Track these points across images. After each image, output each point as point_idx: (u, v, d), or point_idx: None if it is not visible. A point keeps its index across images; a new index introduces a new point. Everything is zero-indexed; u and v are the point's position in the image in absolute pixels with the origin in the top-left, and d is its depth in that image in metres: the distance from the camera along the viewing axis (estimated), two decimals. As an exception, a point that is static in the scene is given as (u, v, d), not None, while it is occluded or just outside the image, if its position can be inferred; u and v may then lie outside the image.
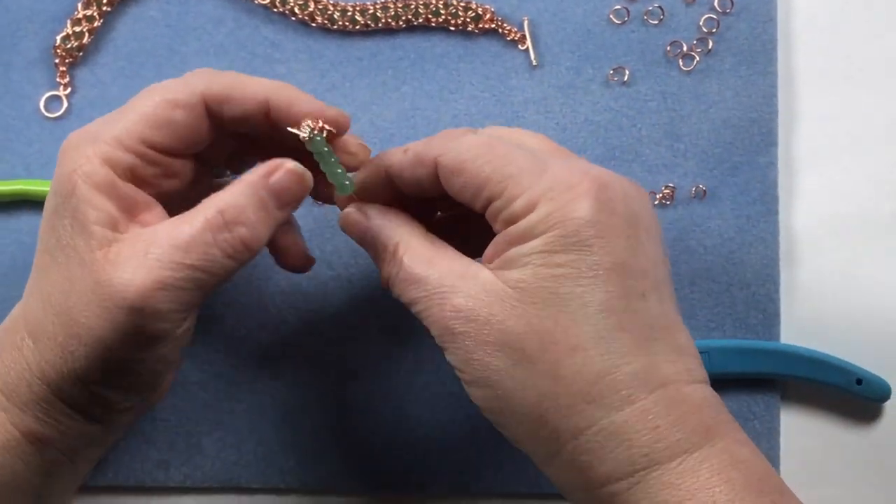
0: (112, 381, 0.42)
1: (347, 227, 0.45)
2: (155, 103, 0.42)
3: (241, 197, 0.41)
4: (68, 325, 0.40)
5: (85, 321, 0.40)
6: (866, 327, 0.55)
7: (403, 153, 0.43)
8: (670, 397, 0.38)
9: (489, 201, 0.40)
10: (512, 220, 0.40)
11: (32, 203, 0.54)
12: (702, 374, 0.41)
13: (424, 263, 0.41)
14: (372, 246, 0.44)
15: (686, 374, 0.40)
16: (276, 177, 0.42)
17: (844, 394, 0.54)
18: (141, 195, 0.42)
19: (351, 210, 0.45)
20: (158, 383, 0.44)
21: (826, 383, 0.54)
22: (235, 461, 0.54)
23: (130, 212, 0.42)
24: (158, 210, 0.43)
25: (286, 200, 0.43)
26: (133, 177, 0.42)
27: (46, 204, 0.43)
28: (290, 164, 0.43)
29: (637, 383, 0.38)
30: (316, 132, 0.43)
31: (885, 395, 0.54)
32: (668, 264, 0.42)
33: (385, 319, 0.54)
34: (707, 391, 0.40)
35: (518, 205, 0.40)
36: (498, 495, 0.54)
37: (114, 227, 0.41)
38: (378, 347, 0.54)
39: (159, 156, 0.43)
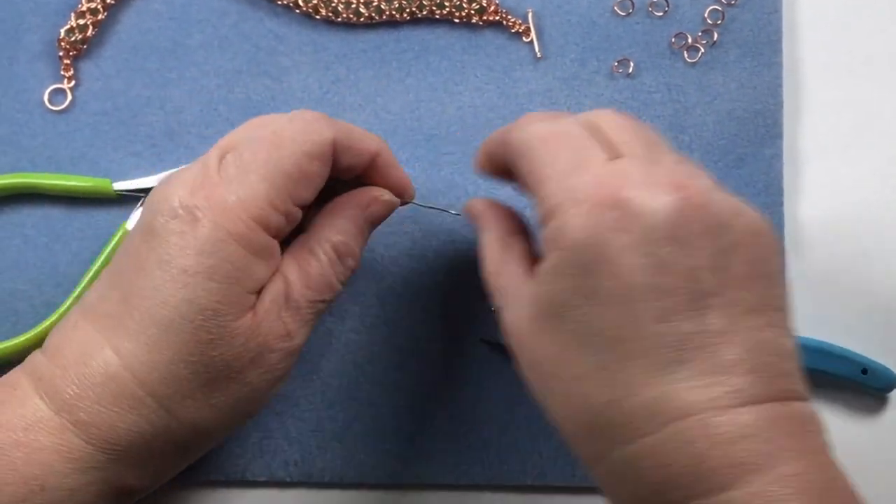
0: (234, 418, 0.44)
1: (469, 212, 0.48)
2: (296, 158, 0.42)
3: (347, 231, 0.45)
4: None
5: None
6: (872, 318, 0.55)
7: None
8: (688, 431, 0.35)
9: (532, 196, 0.40)
10: (542, 225, 0.39)
11: (36, 196, 0.54)
12: (759, 390, 0.35)
13: (494, 274, 0.43)
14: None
15: (726, 397, 0.35)
16: (374, 209, 0.46)
17: (850, 384, 0.54)
18: (278, 249, 0.44)
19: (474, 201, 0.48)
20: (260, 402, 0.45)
21: (831, 373, 0.54)
22: (240, 454, 0.53)
23: (273, 269, 0.43)
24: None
25: (377, 223, 0.47)
26: (277, 236, 0.43)
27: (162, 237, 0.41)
28: (385, 196, 0.47)
29: (645, 416, 0.35)
30: None
31: (890, 384, 0.54)
32: (755, 254, 0.37)
33: (391, 312, 0.54)
34: (759, 413, 0.35)
35: (542, 210, 0.39)
36: (503, 488, 0.54)
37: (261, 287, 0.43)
38: (383, 339, 0.54)
39: (298, 211, 0.43)
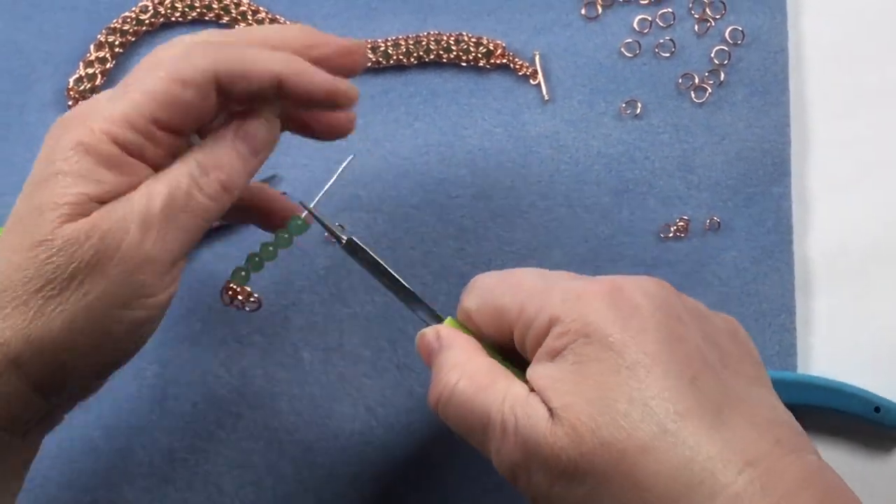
0: (83, 338, 0.39)
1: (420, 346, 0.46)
2: (164, 82, 0.40)
3: (216, 147, 0.42)
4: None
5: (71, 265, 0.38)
6: (883, 355, 0.55)
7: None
8: (764, 474, 0.35)
9: (511, 329, 0.41)
10: (538, 342, 0.40)
11: (48, 246, 0.55)
12: (798, 442, 0.38)
13: (478, 390, 0.41)
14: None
15: (777, 446, 0.36)
16: (246, 126, 0.42)
17: (862, 422, 0.54)
18: (145, 170, 0.41)
19: (427, 329, 0.45)
20: (128, 349, 0.42)
21: (843, 412, 0.54)
22: (255, 500, 0.54)
23: (133, 186, 0.41)
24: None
25: (257, 147, 0.43)
26: (139, 156, 0.41)
27: (27, 180, 0.41)
28: (259, 117, 0.43)
29: (721, 466, 0.35)
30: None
31: (903, 423, 0.54)
32: (738, 339, 0.41)
33: (402, 356, 0.54)
34: (808, 460, 0.37)
35: (538, 325, 0.40)
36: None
37: (103, 197, 0.40)
38: (395, 384, 0.54)
39: (165, 135, 0.41)
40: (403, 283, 0.45)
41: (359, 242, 0.45)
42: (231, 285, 0.46)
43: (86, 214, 0.39)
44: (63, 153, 0.39)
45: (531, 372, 0.40)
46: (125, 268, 0.39)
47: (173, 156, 0.42)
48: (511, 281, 0.42)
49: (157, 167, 0.41)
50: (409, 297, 0.45)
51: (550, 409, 0.38)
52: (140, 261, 0.39)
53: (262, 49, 0.42)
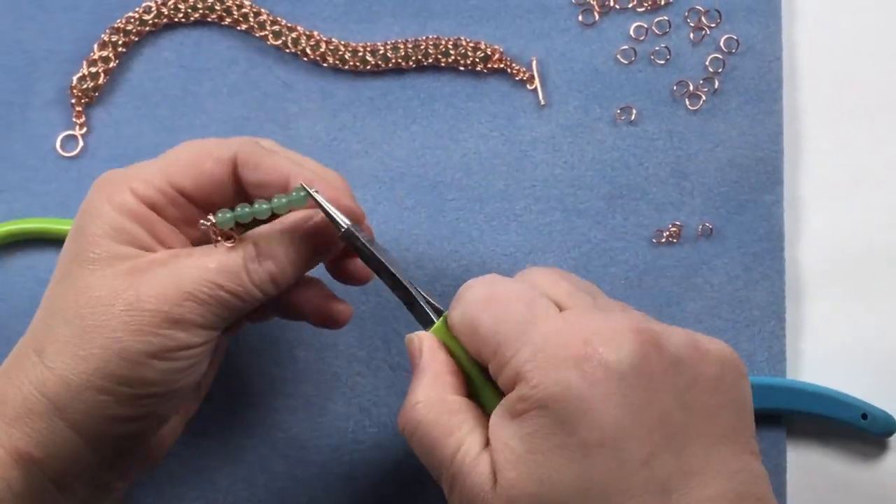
0: (121, 388, 0.41)
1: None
2: (190, 151, 0.44)
3: (275, 234, 0.44)
4: (83, 330, 0.41)
5: (104, 323, 0.41)
6: (871, 363, 0.56)
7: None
8: None
9: (487, 361, 0.40)
10: (506, 389, 0.39)
11: (49, 241, 0.55)
12: None
13: (446, 435, 0.41)
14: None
15: None
16: (312, 222, 0.44)
17: (850, 429, 0.54)
18: (169, 228, 0.44)
19: (420, 333, 0.44)
20: (165, 412, 0.44)
21: (831, 418, 0.54)
22: (248, 497, 0.54)
23: (160, 239, 0.44)
24: (186, 242, 0.45)
25: (316, 245, 0.44)
26: (160, 214, 0.44)
27: (69, 234, 0.44)
28: (316, 218, 0.44)
29: None
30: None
31: (890, 429, 0.54)
32: (722, 385, 0.39)
33: (396, 355, 0.55)
34: None
35: (507, 374, 0.39)
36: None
37: (142, 247, 0.43)
38: (388, 383, 0.55)
39: (184, 200, 0.44)
40: (400, 277, 0.44)
41: (357, 233, 0.44)
42: (211, 219, 0.43)
43: (113, 260, 0.42)
44: (91, 206, 0.43)
45: (492, 423, 0.39)
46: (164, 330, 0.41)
47: (187, 222, 0.45)
48: (495, 306, 0.40)
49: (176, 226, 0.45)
50: (404, 291, 0.44)
51: (496, 476, 0.38)
52: (174, 321, 0.41)
53: (287, 152, 0.46)
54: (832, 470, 0.55)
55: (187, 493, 0.54)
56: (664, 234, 0.56)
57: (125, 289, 0.41)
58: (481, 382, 0.42)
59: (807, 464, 0.55)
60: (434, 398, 0.41)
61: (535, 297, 0.40)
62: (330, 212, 0.43)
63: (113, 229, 0.43)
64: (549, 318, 0.39)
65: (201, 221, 0.43)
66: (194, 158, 0.44)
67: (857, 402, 0.54)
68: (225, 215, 0.42)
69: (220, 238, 0.43)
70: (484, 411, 0.41)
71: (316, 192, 0.43)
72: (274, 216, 0.43)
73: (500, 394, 0.40)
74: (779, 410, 0.54)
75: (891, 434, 0.54)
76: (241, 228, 0.44)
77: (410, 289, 0.44)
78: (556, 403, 0.37)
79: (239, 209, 0.43)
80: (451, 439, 0.40)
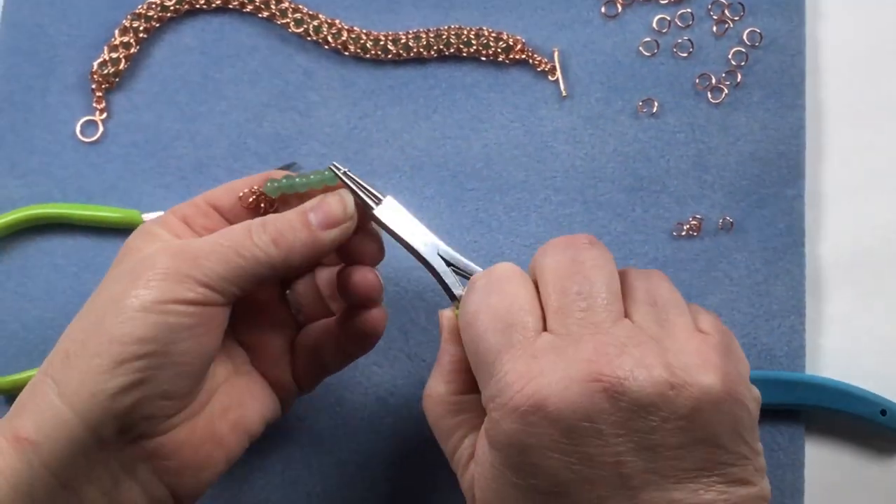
0: (112, 347, 0.40)
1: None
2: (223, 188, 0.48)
3: (287, 213, 0.44)
4: (101, 326, 0.41)
5: (122, 298, 0.41)
6: (891, 359, 0.56)
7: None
8: None
9: (473, 370, 0.42)
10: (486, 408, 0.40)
11: (67, 226, 0.55)
12: None
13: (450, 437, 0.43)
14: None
15: None
16: (322, 199, 0.45)
17: (868, 424, 0.54)
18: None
19: (446, 312, 0.45)
20: (162, 385, 0.41)
21: (850, 414, 0.54)
22: (263, 485, 0.54)
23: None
24: None
25: (327, 220, 0.44)
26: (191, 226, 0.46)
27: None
28: (334, 194, 0.45)
29: None
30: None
31: (909, 426, 0.54)
32: (663, 442, 0.37)
33: (414, 345, 0.55)
34: None
35: (484, 398, 0.40)
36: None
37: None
38: (405, 373, 0.55)
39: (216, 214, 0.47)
40: (426, 257, 0.45)
41: (382, 218, 0.45)
42: (258, 189, 0.46)
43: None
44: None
45: (480, 434, 0.41)
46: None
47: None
48: (481, 320, 0.40)
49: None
50: (430, 268, 0.45)
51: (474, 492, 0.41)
52: (166, 273, 0.41)
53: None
54: (850, 465, 0.55)
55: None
56: (684, 228, 0.56)
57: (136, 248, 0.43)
58: None
59: (825, 459, 0.55)
60: (440, 396, 0.43)
61: (517, 319, 0.40)
62: (359, 192, 0.44)
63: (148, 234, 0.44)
64: (514, 353, 0.39)
65: (244, 190, 0.45)
66: (225, 188, 0.46)
67: (877, 398, 0.54)
68: (273, 185, 0.45)
69: (263, 206, 0.46)
70: None
71: (346, 172, 0.44)
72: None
73: None
74: (797, 406, 0.54)
75: (909, 430, 0.54)
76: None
77: (436, 266, 0.45)
78: (506, 449, 0.38)
79: (284, 180, 0.45)
80: (450, 441, 0.43)
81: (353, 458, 0.54)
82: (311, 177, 0.45)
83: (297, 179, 0.45)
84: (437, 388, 0.43)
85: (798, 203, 0.56)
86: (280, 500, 0.54)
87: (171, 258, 0.41)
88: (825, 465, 0.55)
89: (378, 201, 0.45)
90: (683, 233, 0.56)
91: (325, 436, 0.54)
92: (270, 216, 0.44)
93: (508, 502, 0.39)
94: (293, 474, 0.54)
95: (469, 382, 0.43)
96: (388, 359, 0.55)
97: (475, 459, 0.40)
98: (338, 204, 0.44)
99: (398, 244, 0.45)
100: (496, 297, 0.41)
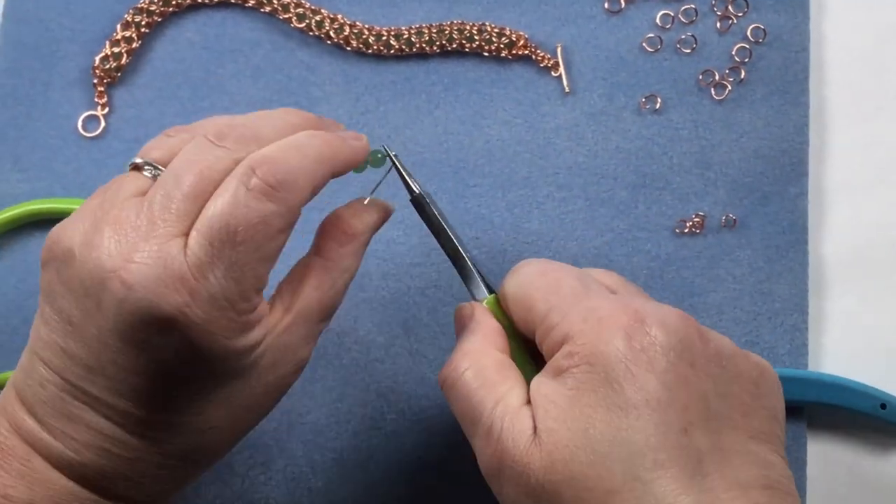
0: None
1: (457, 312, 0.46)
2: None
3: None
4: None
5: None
6: (892, 354, 0.56)
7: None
8: None
9: (535, 328, 0.41)
10: (551, 353, 0.40)
11: (69, 221, 0.55)
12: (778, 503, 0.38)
13: (487, 385, 0.41)
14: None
15: None
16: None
17: (869, 419, 0.54)
18: None
19: (465, 305, 0.45)
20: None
21: (851, 408, 0.54)
22: (264, 480, 0.54)
23: None
24: None
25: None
26: None
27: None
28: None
29: None
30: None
31: (909, 420, 0.54)
32: (759, 390, 0.40)
33: (415, 342, 0.55)
34: None
35: (555, 336, 0.40)
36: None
37: None
38: (407, 369, 0.55)
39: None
40: (459, 247, 0.46)
41: (427, 200, 0.46)
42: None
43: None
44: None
45: (534, 383, 0.40)
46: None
47: None
48: (550, 278, 0.42)
49: None
50: (461, 261, 0.45)
51: (535, 428, 0.38)
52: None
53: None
54: (851, 460, 0.55)
55: (204, 476, 0.54)
56: (687, 225, 0.55)
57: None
58: (523, 360, 0.43)
59: (825, 454, 0.55)
60: (483, 351, 0.42)
61: (588, 276, 0.42)
62: (404, 176, 0.46)
63: None
64: (600, 294, 0.41)
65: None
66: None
67: (876, 392, 0.54)
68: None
69: None
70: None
71: (395, 154, 0.47)
72: None
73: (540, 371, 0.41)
74: (799, 402, 0.54)
75: (910, 425, 0.54)
76: None
77: (468, 259, 0.45)
78: (602, 363, 0.38)
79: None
80: (493, 391, 0.40)
81: (353, 454, 0.54)
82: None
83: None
84: (478, 346, 0.42)
85: (801, 200, 0.56)
86: (281, 495, 0.54)
87: None
88: (825, 459, 0.55)
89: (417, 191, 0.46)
90: (686, 230, 0.55)
91: (327, 432, 0.54)
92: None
93: (587, 421, 0.37)
94: (294, 470, 0.54)
95: (506, 349, 0.43)
96: (390, 355, 0.55)
97: (533, 403, 0.39)
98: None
99: (430, 234, 0.46)
100: (558, 264, 0.43)
